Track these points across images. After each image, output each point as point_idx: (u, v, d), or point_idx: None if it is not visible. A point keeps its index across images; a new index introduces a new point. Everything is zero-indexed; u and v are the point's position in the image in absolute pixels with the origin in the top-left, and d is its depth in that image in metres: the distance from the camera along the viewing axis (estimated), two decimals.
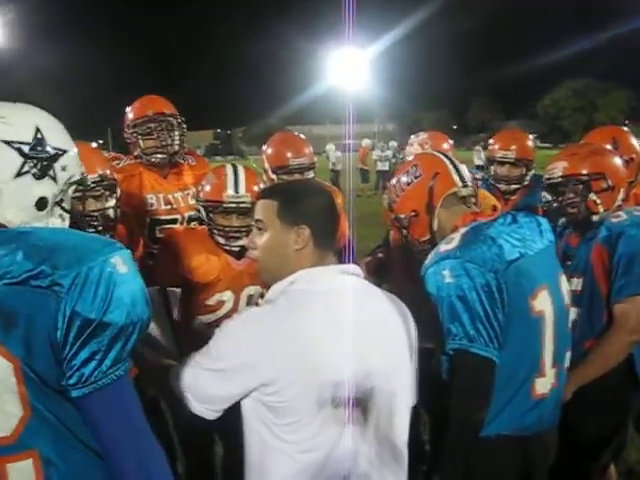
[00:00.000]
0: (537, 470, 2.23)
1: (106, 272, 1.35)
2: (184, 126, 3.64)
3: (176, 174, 3.67)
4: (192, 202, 3.48)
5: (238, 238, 2.74)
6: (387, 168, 22.19)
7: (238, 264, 2.83)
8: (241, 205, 2.74)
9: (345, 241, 3.34)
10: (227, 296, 2.83)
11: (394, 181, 2.41)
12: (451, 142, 4.09)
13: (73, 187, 1.60)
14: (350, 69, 37.95)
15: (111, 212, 2.66)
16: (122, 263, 1.39)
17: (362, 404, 1.71)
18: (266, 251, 1.83)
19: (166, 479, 1.44)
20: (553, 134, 63.63)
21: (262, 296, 2.74)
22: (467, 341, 2.00)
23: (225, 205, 2.74)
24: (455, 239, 2.10)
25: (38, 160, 1.47)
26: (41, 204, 1.49)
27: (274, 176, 3.52)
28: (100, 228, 2.55)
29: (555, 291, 2.18)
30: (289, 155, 3.51)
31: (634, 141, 3.61)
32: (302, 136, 3.78)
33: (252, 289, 2.84)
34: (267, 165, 3.59)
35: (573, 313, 2.47)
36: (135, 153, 3.60)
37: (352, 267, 1.85)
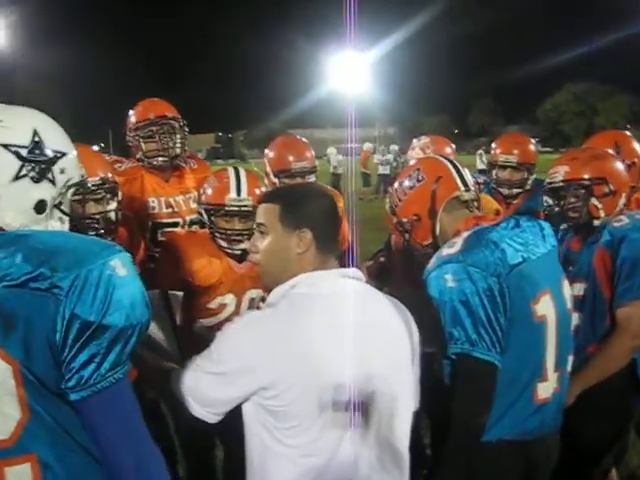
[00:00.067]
0: (539, 475, 2.23)
1: (105, 275, 1.35)
2: (186, 129, 3.64)
3: (178, 177, 3.67)
4: (194, 205, 3.49)
5: (240, 241, 2.74)
6: (388, 172, 22.21)
7: (240, 267, 2.83)
8: (243, 208, 2.74)
9: (346, 245, 3.35)
10: (229, 299, 2.83)
11: (396, 185, 2.41)
12: (453, 146, 4.09)
13: (72, 190, 1.59)
14: (351, 73, 37.99)
15: (112, 215, 2.66)
16: (121, 266, 1.39)
17: (363, 408, 1.70)
18: (268, 255, 1.83)
19: None
20: (554, 138, 63.63)
21: (264, 299, 2.74)
22: (469, 345, 2.00)
23: (227, 208, 2.74)
24: (458, 243, 2.10)
25: (36, 163, 1.46)
26: (40, 207, 1.49)
27: (276, 180, 3.52)
28: (101, 231, 2.55)
29: (557, 296, 2.18)
30: (291, 159, 3.51)
31: (637, 145, 3.60)
32: (304, 140, 3.78)
33: (254, 292, 2.84)
34: (269, 169, 3.59)
35: (575, 318, 2.46)
36: (137, 156, 3.60)
37: (353, 271, 1.85)
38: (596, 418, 2.64)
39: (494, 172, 3.93)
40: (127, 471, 1.38)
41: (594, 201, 2.73)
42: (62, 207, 1.56)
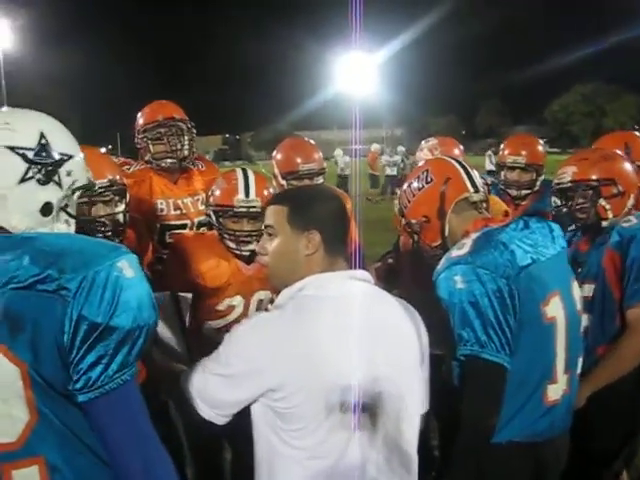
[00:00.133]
0: (549, 476, 2.22)
1: (113, 276, 1.35)
2: (194, 131, 3.65)
3: (186, 179, 3.67)
4: (202, 207, 3.49)
5: (249, 242, 2.74)
6: (395, 173, 22.20)
7: (248, 269, 2.83)
8: (251, 209, 2.74)
9: (354, 247, 3.34)
10: (237, 301, 2.83)
11: (405, 186, 2.40)
12: (461, 147, 4.08)
13: (79, 192, 1.59)
14: (358, 74, 37.97)
15: (120, 217, 2.66)
16: (128, 267, 1.39)
17: (370, 409, 1.70)
18: (276, 256, 1.83)
19: None
20: (561, 139, 63.44)
21: (272, 301, 2.73)
22: (478, 347, 1.99)
23: (236, 209, 2.74)
24: (467, 244, 2.09)
25: (42, 165, 1.47)
26: (46, 209, 1.49)
27: (284, 182, 3.52)
28: (109, 233, 2.55)
29: (567, 297, 2.17)
30: (299, 161, 3.51)
31: None
32: (312, 141, 3.78)
33: (262, 294, 2.84)
34: (277, 170, 3.59)
35: (585, 319, 2.45)
36: (145, 158, 3.61)
37: (362, 273, 1.85)
38: (606, 420, 2.62)
39: (502, 173, 3.93)
40: (135, 473, 1.39)
41: (602, 202, 2.72)
42: (68, 209, 1.56)
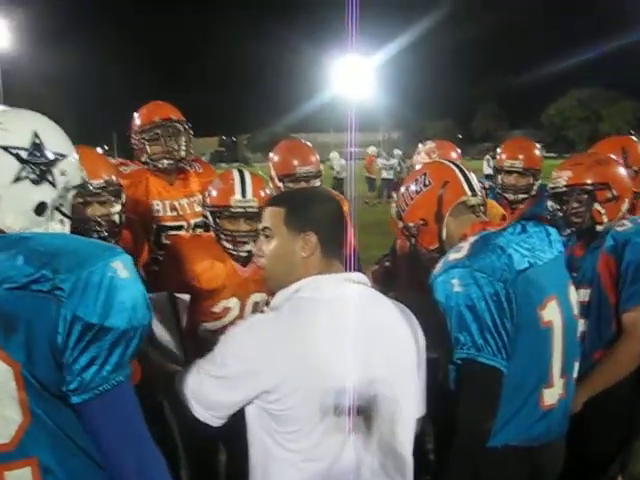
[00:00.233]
0: None
1: (107, 276, 1.35)
2: (191, 132, 3.65)
3: (183, 180, 3.67)
4: (198, 209, 3.48)
5: (245, 243, 2.74)
6: (392, 176, 22.22)
7: (244, 271, 2.83)
8: (248, 209, 2.74)
9: (350, 249, 3.33)
10: (233, 303, 2.82)
11: (403, 189, 2.40)
12: (459, 151, 4.08)
13: (73, 192, 1.59)
14: (355, 77, 38.03)
15: (116, 218, 2.66)
16: (123, 268, 1.39)
17: (365, 412, 1.69)
18: (273, 258, 1.82)
19: None
20: (558, 144, 63.63)
21: (268, 303, 2.73)
22: (475, 350, 1.99)
23: (233, 209, 2.74)
24: (464, 248, 2.09)
25: (36, 165, 1.47)
26: (40, 209, 1.49)
27: (280, 184, 3.51)
28: (105, 234, 2.55)
29: (564, 301, 2.17)
30: (296, 163, 3.51)
31: None
32: (309, 144, 3.78)
33: (258, 296, 2.83)
34: (274, 173, 3.59)
35: (581, 324, 2.45)
36: (142, 159, 3.61)
37: (358, 275, 1.84)
38: (603, 425, 2.62)
39: (500, 177, 3.93)
40: (128, 474, 1.38)
41: (597, 206, 2.72)
42: (63, 209, 1.55)
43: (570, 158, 3.06)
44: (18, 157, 1.44)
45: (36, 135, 1.48)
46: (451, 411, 2.05)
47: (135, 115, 3.69)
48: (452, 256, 2.10)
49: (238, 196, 2.75)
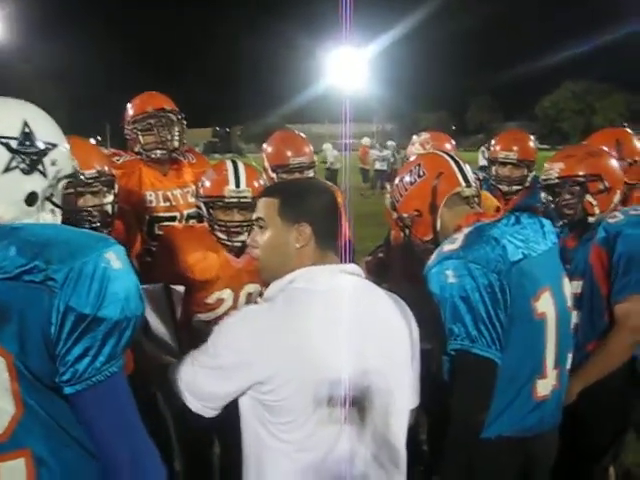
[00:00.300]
0: (538, 471, 2.24)
1: (100, 267, 1.34)
2: (184, 122, 3.64)
3: (176, 171, 3.66)
4: (191, 200, 3.47)
5: (239, 233, 2.74)
6: (385, 168, 22.23)
7: (237, 262, 2.82)
8: (242, 200, 2.73)
9: (344, 240, 3.33)
10: (226, 294, 2.82)
11: (397, 180, 2.40)
12: (453, 142, 4.08)
13: (64, 182, 1.58)
14: (349, 69, 37.98)
15: (109, 208, 2.65)
16: (116, 259, 1.39)
17: (359, 403, 1.69)
18: (267, 249, 1.82)
19: (160, 475, 1.44)
20: (552, 136, 63.71)
21: (261, 294, 2.72)
22: (469, 342, 2.00)
23: (226, 200, 2.73)
24: (458, 239, 2.09)
25: (26, 155, 1.45)
26: (31, 199, 1.47)
27: (274, 175, 3.51)
28: (97, 224, 2.54)
29: (558, 293, 2.18)
30: (289, 154, 3.50)
31: (638, 143, 3.59)
32: (302, 135, 3.77)
33: (251, 287, 2.83)
34: (267, 164, 3.58)
35: (574, 316, 2.46)
36: (135, 149, 3.59)
37: (352, 266, 1.84)
38: (596, 416, 2.64)
39: (494, 169, 3.94)
40: (122, 464, 1.38)
41: (589, 198, 2.72)
42: (54, 199, 1.54)
43: (562, 150, 3.07)
44: (8, 147, 1.43)
45: (26, 124, 1.47)
46: (445, 402, 2.05)
47: (128, 105, 3.68)
48: (446, 247, 2.10)
49: (232, 186, 2.74)
